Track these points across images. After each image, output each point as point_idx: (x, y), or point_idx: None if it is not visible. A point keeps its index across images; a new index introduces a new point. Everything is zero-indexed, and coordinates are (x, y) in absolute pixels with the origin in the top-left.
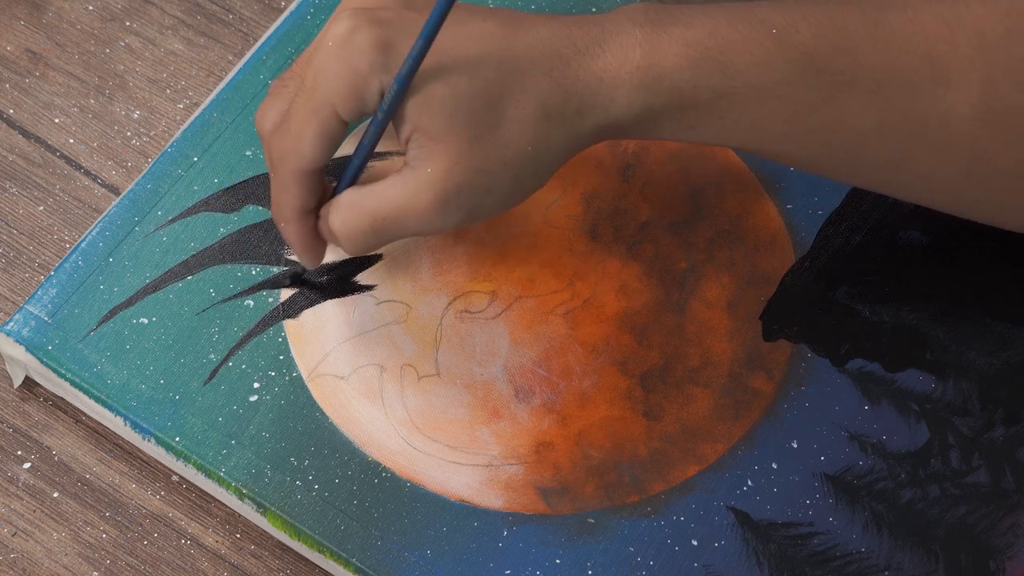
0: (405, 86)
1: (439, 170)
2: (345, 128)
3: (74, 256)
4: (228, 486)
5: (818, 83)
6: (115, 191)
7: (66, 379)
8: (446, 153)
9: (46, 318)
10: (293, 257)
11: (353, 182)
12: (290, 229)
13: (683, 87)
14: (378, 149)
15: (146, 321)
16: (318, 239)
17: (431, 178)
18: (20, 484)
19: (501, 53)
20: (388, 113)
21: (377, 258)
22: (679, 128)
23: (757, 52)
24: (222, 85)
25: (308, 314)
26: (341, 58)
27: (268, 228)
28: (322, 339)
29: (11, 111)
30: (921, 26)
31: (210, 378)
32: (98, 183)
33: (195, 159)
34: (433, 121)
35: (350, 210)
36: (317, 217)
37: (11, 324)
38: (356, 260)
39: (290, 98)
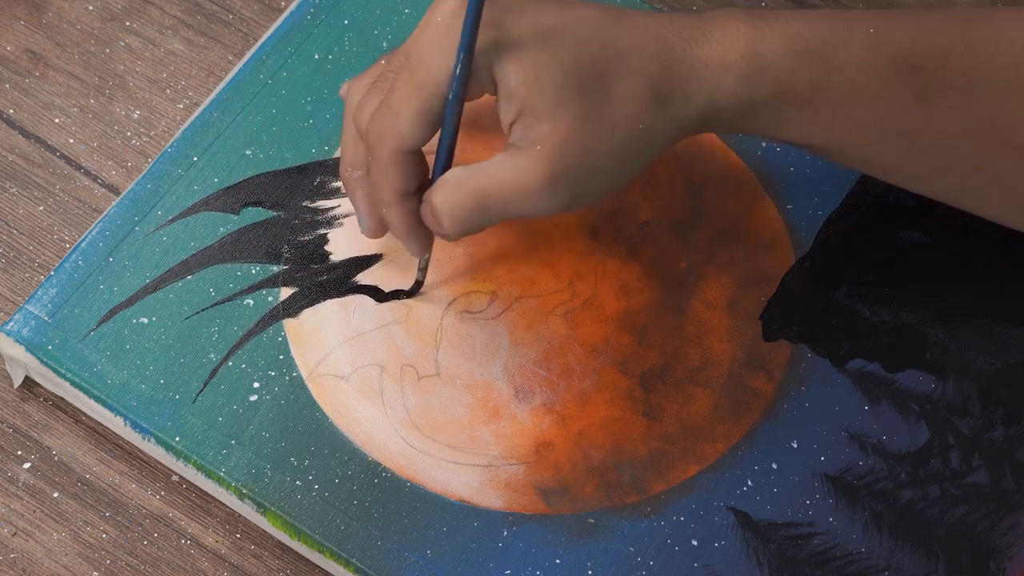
0: (469, 56)
1: (549, 149)
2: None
3: (74, 256)
4: (228, 486)
5: (912, 82)
6: (115, 191)
7: (66, 379)
8: (555, 132)
9: (46, 318)
10: (292, 257)
11: (447, 165)
12: (392, 212)
13: (784, 78)
14: None
15: (146, 321)
16: (421, 224)
17: (541, 157)
18: (20, 484)
19: (607, 35)
20: (459, 86)
21: (377, 258)
22: (775, 121)
23: (855, 49)
24: (222, 85)
25: (308, 314)
26: (447, 36)
27: (268, 227)
28: (322, 339)
29: (11, 111)
30: (1007, 33)
31: (210, 378)
32: (98, 183)
33: (195, 159)
34: (542, 100)
35: (456, 188)
36: (419, 201)
37: (11, 324)
38: (358, 262)
39: (390, 77)
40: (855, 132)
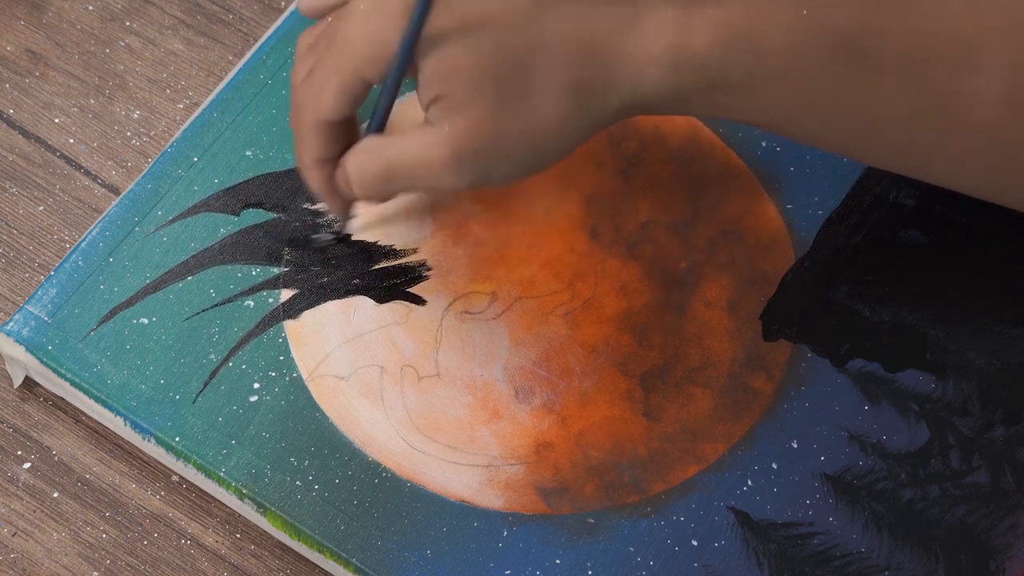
0: (408, 51)
1: (458, 129)
2: (368, 88)
3: (74, 256)
4: (228, 486)
5: (848, 66)
6: (115, 191)
7: (66, 379)
8: (466, 116)
9: (46, 318)
10: (293, 257)
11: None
12: (310, 175)
13: (713, 66)
14: None
15: (146, 321)
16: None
17: (449, 135)
18: (20, 484)
19: (530, 26)
20: (394, 82)
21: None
22: (708, 106)
23: (788, 34)
24: (222, 85)
25: (308, 315)
26: (370, 20)
27: (269, 229)
28: (322, 339)
29: (11, 111)
30: (950, 10)
31: (210, 378)
32: (98, 183)
33: (195, 159)
34: (456, 89)
35: (365, 154)
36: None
37: (11, 324)
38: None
39: (323, 46)
40: (794, 115)
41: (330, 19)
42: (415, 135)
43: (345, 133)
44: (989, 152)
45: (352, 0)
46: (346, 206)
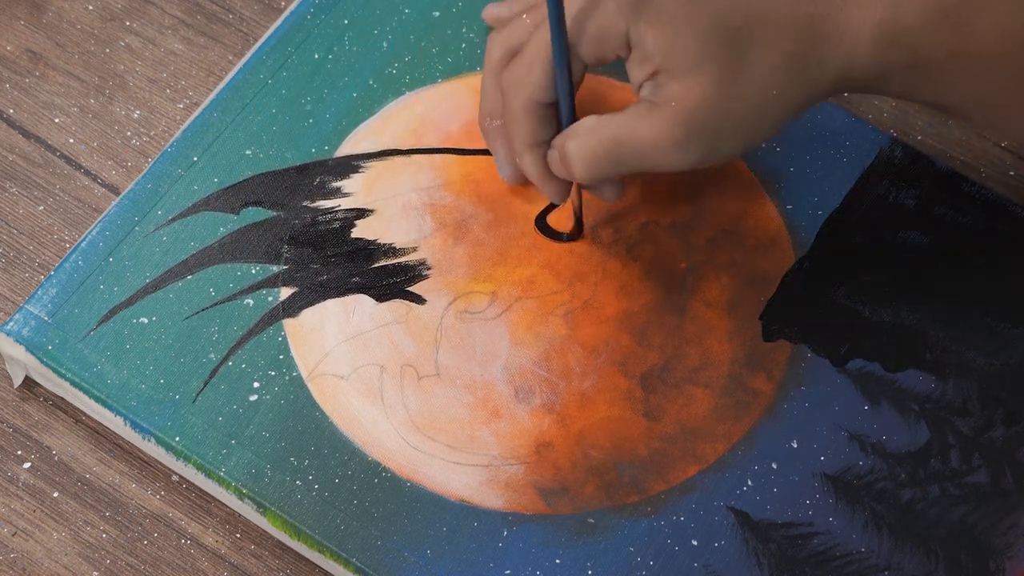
0: (559, 26)
1: (684, 108)
2: (584, 69)
3: (74, 256)
4: (228, 486)
5: None
6: (115, 191)
7: (66, 379)
8: (691, 93)
9: (46, 318)
10: (293, 256)
11: (571, 116)
12: (525, 160)
13: (921, 44)
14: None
15: (146, 321)
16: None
17: (675, 114)
18: (20, 484)
19: (748, 2)
20: (561, 61)
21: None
22: (907, 86)
23: (994, 14)
24: (222, 85)
25: (308, 313)
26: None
27: (268, 227)
28: (322, 339)
29: (11, 111)
30: None
31: (210, 378)
32: (98, 183)
33: (195, 159)
34: (679, 63)
35: (589, 135)
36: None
37: (11, 324)
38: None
39: (529, 28)
40: (986, 97)
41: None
42: (639, 114)
43: (554, 116)
44: None
45: None
46: (562, 190)
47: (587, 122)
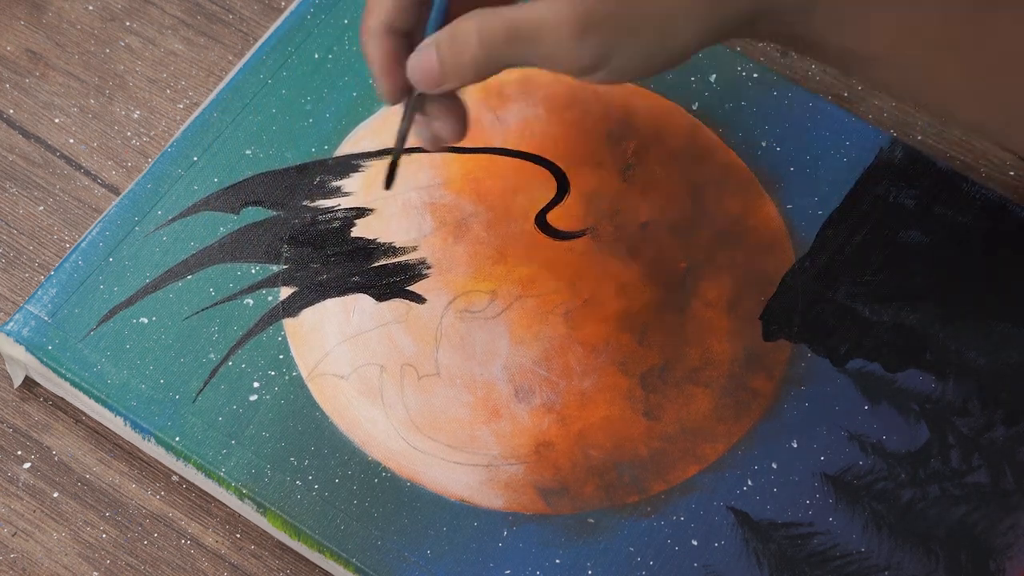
0: None
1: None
2: None
3: (74, 256)
4: (228, 486)
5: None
6: (115, 191)
7: (66, 379)
8: None
9: (46, 318)
10: (293, 255)
11: (441, 20)
12: (372, 43)
13: None
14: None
15: (146, 321)
16: (398, 68)
17: (577, 2)
18: (20, 484)
19: None
20: None
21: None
22: (830, 22)
23: None
24: (222, 85)
25: (308, 313)
26: None
27: (268, 227)
28: (322, 338)
29: (11, 111)
30: None
31: (210, 378)
32: (98, 183)
33: (195, 159)
34: None
35: (491, 16)
36: (405, 47)
37: (11, 324)
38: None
39: None
40: (910, 41)
41: None
42: (537, 3)
43: (419, 9)
44: None
45: None
46: (396, 91)
47: (485, 9)
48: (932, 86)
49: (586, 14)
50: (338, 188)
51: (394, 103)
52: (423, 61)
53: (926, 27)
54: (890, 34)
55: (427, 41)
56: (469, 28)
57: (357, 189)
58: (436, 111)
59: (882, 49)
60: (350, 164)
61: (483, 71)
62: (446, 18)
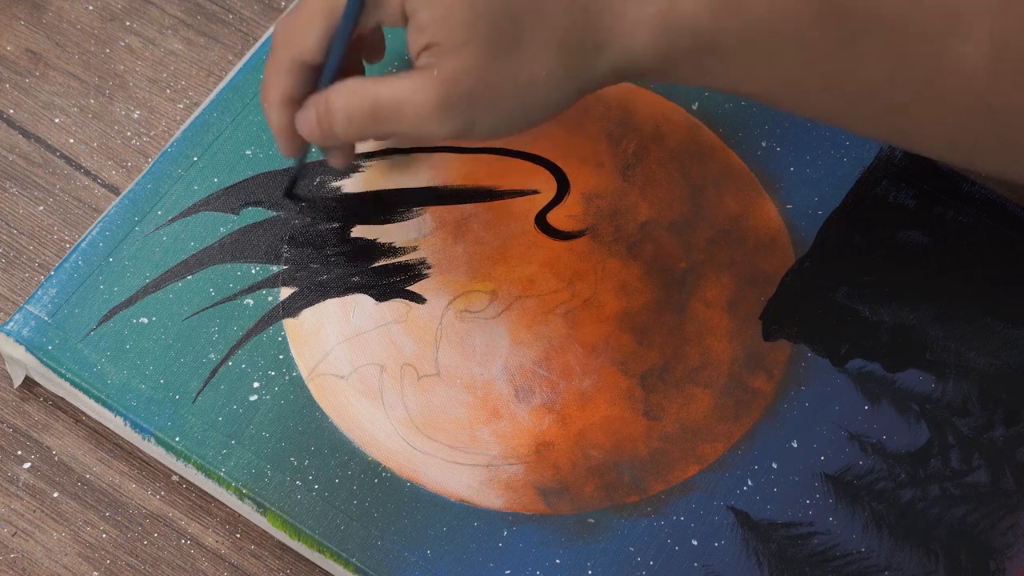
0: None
1: (448, 73)
2: (354, 32)
3: (74, 256)
4: (228, 486)
5: (836, 29)
6: (115, 191)
7: (66, 379)
8: (458, 62)
9: (46, 318)
10: (292, 255)
11: (333, 79)
12: (273, 112)
13: (703, 31)
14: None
15: (146, 321)
16: (295, 132)
17: (439, 78)
18: (20, 484)
19: None
20: (346, 25)
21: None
22: (696, 73)
23: None
24: (222, 85)
25: (308, 313)
26: None
27: (268, 227)
28: (322, 338)
29: (11, 111)
30: None
31: (210, 378)
32: (98, 183)
33: (195, 159)
34: (449, 37)
35: (355, 92)
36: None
37: (11, 324)
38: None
39: None
40: (780, 80)
41: None
42: (404, 76)
43: (313, 76)
44: (973, 118)
45: None
46: (297, 148)
47: (356, 80)
48: (811, 112)
49: (445, 97)
50: (338, 188)
51: (293, 157)
52: (304, 123)
53: (793, 70)
54: (758, 79)
55: (307, 102)
56: (337, 103)
57: (357, 189)
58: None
59: (750, 90)
60: (350, 164)
61: (354, 139)
62: (338, 74)
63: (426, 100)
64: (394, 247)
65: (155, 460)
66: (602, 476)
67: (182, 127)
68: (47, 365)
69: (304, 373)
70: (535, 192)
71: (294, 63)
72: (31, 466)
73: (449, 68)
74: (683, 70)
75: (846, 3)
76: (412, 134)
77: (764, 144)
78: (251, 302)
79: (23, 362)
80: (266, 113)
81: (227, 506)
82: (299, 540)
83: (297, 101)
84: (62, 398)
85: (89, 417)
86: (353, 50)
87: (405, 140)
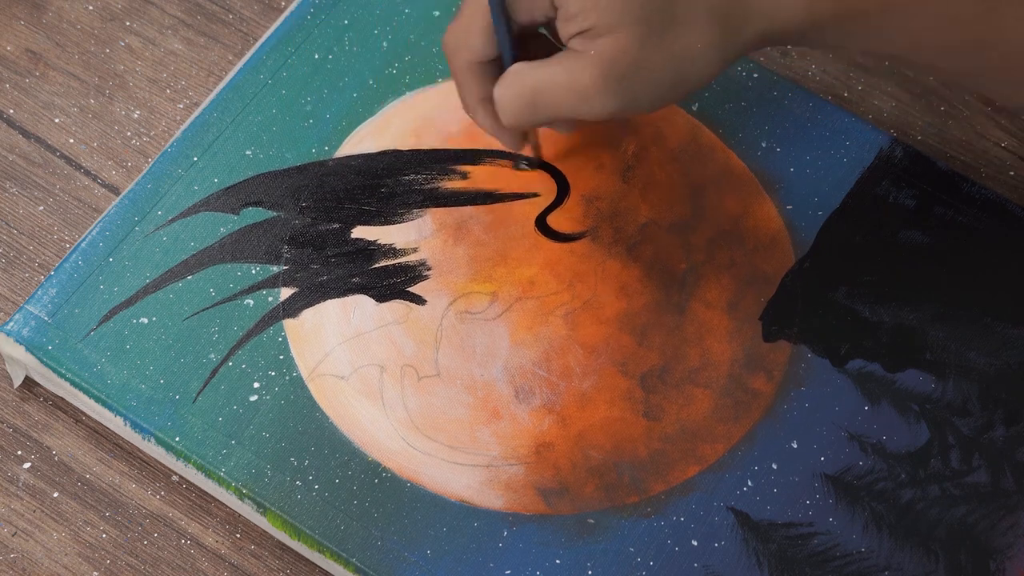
0: None
1: (605, 56)
2: (518, 29)
3: (74, 256)
4: (228, 486)
5: None
6: (115, 191)
7: (66, 379)
8: (614, 44)
9: (46, 318)
10: (292, 255)
11: (512, 61)
12: (478, 115)
13: None
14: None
15: (146, 321)
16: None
17: (596, 60)
18: (20, 484)
19: None
20: (497, 19)
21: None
22: (839, 36)
23: None
24: (222, 85)
25: (308, 313)
26: None
27: (268, 227)
28: (322, 339)
29: (11, 111)
30: None
31: (210, 378)
32: (98, 183)
33: (195, 159)
34: (604, 19)
35: (512, 82)
36: None
37: (11, 324)
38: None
39: None
40: (922, 44)
41: None
42: (561, 61)
43: (499, 71)
44: None
45: None
46: (518, 139)
47: (515, 68)
48: (950, 75)
49: (603, 77)
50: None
51: (517, 149)
52: (482, 118)
53: (935, 35)
54: (900, 43)
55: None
56: (497, 97)
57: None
58: None
59: (891, 52)
60: (351, 165)
61: (521, 127)
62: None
63: (587, 82)
64: (394, 248)
65: (155, 460)
66: (602, 477)
67: (182, 127)
68: (47, 365)
69: (304, 373)
70: (535, 195)
71: (469, 65)
72: (31, 466)
73: (607, 49)
74: (827, 34)
75: None
76: (575, 115)
77: (764, 144)
78: (251, 302)
79: (23, 362)
80: (474, 120)
81: (227, 506)
82: (299, 540)
83: (492, 99)
84: (62, 398)
85: (89, 417)
86: (525, 45)
87: (567, 125)
